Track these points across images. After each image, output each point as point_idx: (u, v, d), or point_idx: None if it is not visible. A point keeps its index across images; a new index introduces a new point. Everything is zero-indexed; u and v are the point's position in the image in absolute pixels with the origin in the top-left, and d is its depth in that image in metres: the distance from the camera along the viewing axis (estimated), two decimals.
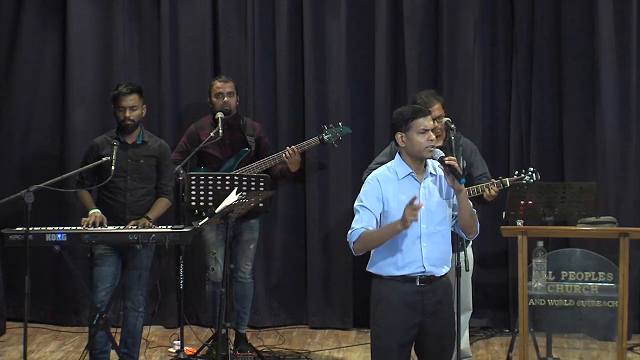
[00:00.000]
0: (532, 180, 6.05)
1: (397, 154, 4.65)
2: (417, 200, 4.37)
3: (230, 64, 7.40)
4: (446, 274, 4.65)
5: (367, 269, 4.65)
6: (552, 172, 7.20)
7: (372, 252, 4.60)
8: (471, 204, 4.60)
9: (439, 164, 4.53)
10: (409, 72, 7.26)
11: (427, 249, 4.53)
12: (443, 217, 4.59)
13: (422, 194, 4.53)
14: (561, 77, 7.21)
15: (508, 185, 6.01)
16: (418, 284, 4.54)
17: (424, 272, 4.53)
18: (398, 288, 4.55)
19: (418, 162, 4.58)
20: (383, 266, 4.57)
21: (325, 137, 6.73)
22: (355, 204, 4.59)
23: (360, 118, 7.39)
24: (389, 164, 4.65)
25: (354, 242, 4.54)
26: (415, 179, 4.58)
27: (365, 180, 4.64)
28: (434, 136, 4.56)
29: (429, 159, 4.57)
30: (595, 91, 7.09)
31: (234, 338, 6.52)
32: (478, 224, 4.64)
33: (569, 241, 6.58)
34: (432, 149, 4.54)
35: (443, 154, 4.53)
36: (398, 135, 4.57)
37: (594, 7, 7.05)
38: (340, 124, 6.83)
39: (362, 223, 4.52)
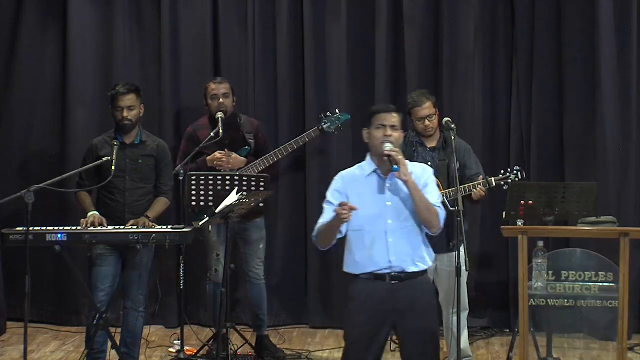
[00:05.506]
0: (517, 179, 6.03)
1: (368, 153, 4.73)
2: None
3: (230, 64, 7.40)
4: (423, 272, 4.64)
5: (343, 270, 4.70)
6: (552, 172, 7.20)
7: (344, 252, 4.68)
8: (423, 196, 4.56)
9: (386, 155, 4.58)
10: (409, 72, 7.27)
11: (394, 244, 4.57)
12: (410, 212, 4.61)
13: (388, 190, 4.60)
14: (561, 77, 7.21)
15: (494, 184, 6.00)
16: (389, 282, 4.57)
17: (391, 266, 4.56)
18: (369, 286, 4.59)
19: (382, 159, 4.62)
20: (353, 264, 4.64)
21: (324, 126, 6.68)
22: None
23: (360, 117, 7.36)
24: (361, 163, 4.73)
25: (314, 237, 4.68)
26: (381, 176, 4.65)
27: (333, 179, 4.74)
28: (390, 132, 4.59)
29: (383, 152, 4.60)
30: (595, 91, 7.09)
31: (234, 338, 6.50)
32: (440, 218, 4.60)
33: (569, 241, 6.58)
34: (386, 142, 4.57)
35: (389, 147, 4.55)
36: (364, 132, 4.69)
37: (594, 7, 7.05)
38: (337, 110, 6.76)
39: (322, 219, 4.64)
